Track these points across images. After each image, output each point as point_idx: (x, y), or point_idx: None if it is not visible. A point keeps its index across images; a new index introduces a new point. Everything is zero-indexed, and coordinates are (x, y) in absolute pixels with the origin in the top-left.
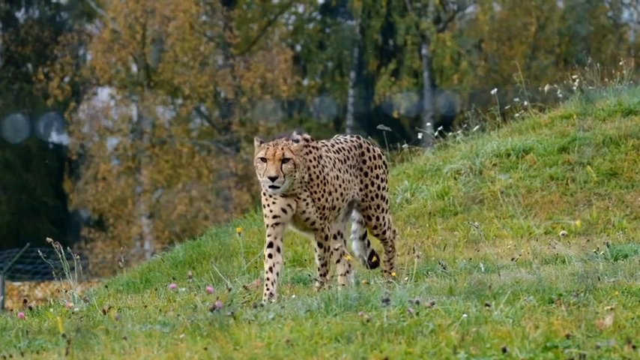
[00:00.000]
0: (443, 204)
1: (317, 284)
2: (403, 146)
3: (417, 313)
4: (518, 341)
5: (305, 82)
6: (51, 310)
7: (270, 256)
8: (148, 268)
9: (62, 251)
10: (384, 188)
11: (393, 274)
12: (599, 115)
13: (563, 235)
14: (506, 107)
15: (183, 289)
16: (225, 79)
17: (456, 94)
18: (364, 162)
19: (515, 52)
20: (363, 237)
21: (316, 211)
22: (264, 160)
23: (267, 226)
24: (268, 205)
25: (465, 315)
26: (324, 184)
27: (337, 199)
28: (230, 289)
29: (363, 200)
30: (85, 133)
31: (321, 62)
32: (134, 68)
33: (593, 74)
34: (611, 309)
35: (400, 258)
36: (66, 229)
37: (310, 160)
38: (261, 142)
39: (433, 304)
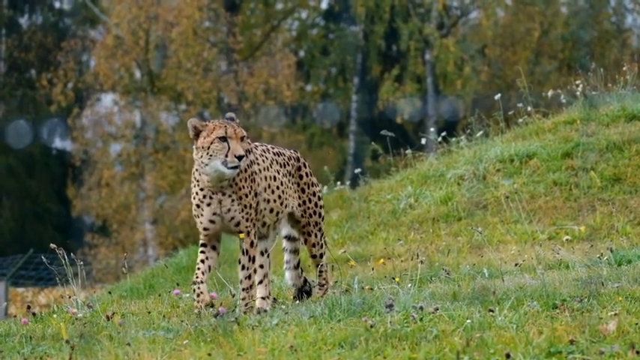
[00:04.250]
0: (446, 209)
1: (240, 301)
2: (407, 152)
3: (421, 319)
4: (521, 347)
5: (308, 88)
6: (54, 316)
7: (202, 253)
8: (151, 274)
9: (66, 257)
10: (321, 207)
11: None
12: (603, 121)
13: (566, 240)
14: (509, 113)
15: (187, 294)
16: (229, 85)
17: (459, 100)
18: (301, 177)
19: (518, 58)
20: (297, 266)
21: (241, 211)
22: (224, 139)
23: (200, 231)
24: (198, 217)
25: (468, 320)
26: (252, 182)
27: (275, 200)
28: (234, 295)
29: (302, 216)
30: (88, 139)
31: (325, 68)
32: (137, 74)
33: (596, 79)
34: (615, 314)
35: (404, 263)
36: (69, 235)
37: None
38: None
39: (437, 309)
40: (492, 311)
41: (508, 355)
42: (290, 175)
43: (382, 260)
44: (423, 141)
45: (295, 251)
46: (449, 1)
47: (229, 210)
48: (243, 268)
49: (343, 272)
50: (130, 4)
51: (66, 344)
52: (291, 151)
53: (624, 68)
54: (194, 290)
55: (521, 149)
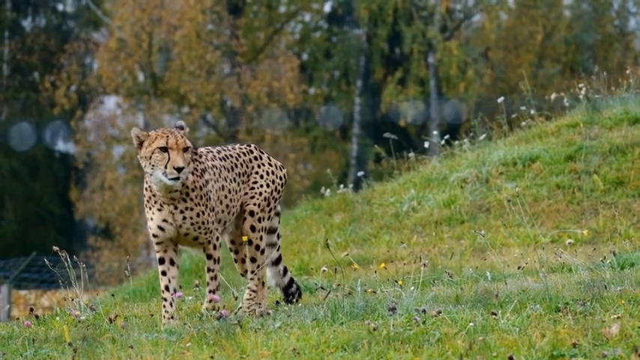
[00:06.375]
0: (449, 212)
1: (205, 305)
2: (409, 155)
3: (424, 322)
4: (524, 350)
5: (311, 91)
6: (57, 318)
7: (163, 273)
8: (154, 277)
9: (68, 260)
10: (274, 199)
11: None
12: (606, 124)
13: (569, 243)
14: (512, 116)
15: (190, 297)
16: (232, 88)
17: (462, 103)
18: (259, 166)
19: (521, 61)
20: (277, 262)
21: (198, 227)
22: (164, 149)
23: (153, 242)
24: (148, 221)
25: (471, 324)
26: (207, 199)
27: (223, 211)
28: (236, 298)
29: (251, 197)
30: (91, 142)
31: (328, 71)
32: (141, 77)
33: (599, 83)
34: (618, 318)
35: (406, 266)
36: (72, 237)
37: (191, 171)
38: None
39: (440, 312)
40: (495, 314)
41: (511, 358)
42: (241, 175)
43: (384, 265)
44: (426, 144)
45: (272, 245)
46: (452, 4)
47: (181, 226)
48: (209, 270)
49: (346, 275)
50: (133, 7)
51: (69, 347)
52: (244, 146)
53: (627, 71)
54: (164, 318)
55: (524, 152)
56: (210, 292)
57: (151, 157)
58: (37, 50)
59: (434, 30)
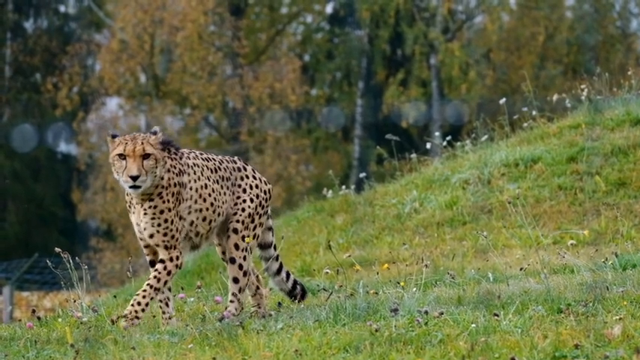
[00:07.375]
0: (451, 214)
1: (138, 298)
2: (411, 156)
3: (426, 323)
4: (526, 351)
5: (313, 92)
6: (59, 320)
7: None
8: None
9: (71, 261)
10: (258, 214)
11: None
12: (608, 125)
13: (571, 244)
14: (514, 117)
15: (192, 298)
16: (234, 89)
17: (464, 104)
18: (242, 178)
19: (523, 62)
20: (278, 272)
21: (158, 225)
22: (122, 156)
23: (141, 246)
24: (133, 224)
25: (473, 325)
26: (176, 201)
27: (207, 209)
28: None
29: (234, 214)
30: (93, 143)
31: (330, 72)
32: (142, 78)
33: (601, 84)
34: (620, 319)
35: (409, 268)
36: (74, 239)
37: (167, 169)
38: (114, 137)
39: (442, 313)
40: (497, 315)
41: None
42: (224, 179)
43: (386, 266)
44: (428, 145)
45: (268, 258)
46: (454, 5)
47: (142, 221)
48: (155, 270)
49: (348, 276)
50: (135, 8)
51: (71, 348)
52: (227, 157)
53: (629, 72)
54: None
55: (526, 153)
56: (148, 285)
57: (114, 164)
58: (39, 52)
59: (436, 31)
